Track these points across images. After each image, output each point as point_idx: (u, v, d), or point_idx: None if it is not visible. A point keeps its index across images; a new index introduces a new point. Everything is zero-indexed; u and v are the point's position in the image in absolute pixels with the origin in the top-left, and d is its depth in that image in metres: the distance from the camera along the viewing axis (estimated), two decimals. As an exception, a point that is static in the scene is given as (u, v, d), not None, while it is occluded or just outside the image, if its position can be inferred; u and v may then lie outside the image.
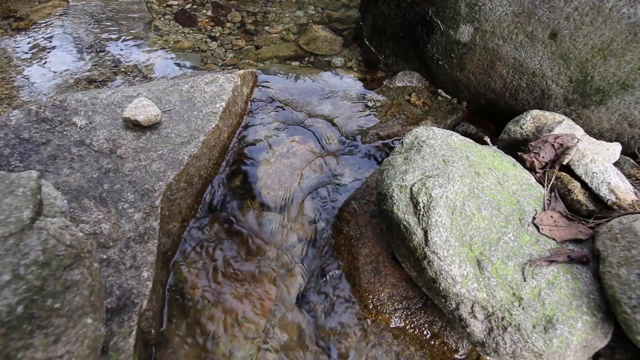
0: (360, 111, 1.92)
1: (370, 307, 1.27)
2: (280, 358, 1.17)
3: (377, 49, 2.36)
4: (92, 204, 1.21)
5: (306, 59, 2.34)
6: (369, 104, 1.95)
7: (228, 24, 2.55)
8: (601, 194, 1.25)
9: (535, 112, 1.51)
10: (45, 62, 2.10)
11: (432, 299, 1.20)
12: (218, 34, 2.46)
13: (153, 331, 1.11)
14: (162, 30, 2.43)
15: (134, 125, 1.44)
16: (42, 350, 0.71)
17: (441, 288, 1.08)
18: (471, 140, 1.38)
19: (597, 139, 1.48)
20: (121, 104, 1.51)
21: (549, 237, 1.16)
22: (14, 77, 2.00)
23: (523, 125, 1.49)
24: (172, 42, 2.35)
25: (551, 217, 1.21)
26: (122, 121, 1.44)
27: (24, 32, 2.28)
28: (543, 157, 1.36)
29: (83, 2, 2.56)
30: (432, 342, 1.23)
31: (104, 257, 1.11)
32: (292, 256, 1.40)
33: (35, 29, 2.31)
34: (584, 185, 1.29)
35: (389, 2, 2.18)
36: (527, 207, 1.21)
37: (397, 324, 1.25)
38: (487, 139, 1.55)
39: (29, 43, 2.21)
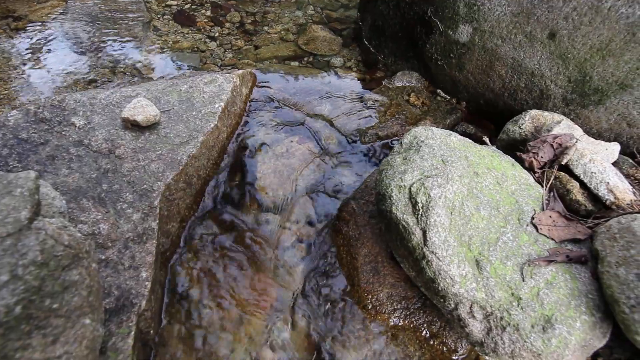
0: (359, 111, 1.92)
1: (369, 307, 1.27)
2: (279, 358, 1.17)
3: (376, 49, 2.36)
4: (91, 204, 1.21)
5: (305, 59, 2.34)
6: (368, 104, 1.95)
7: (227, 24, 2.54)
8: (600, 194, 1.26)
9: (534, 112, 1.51)
10: (44, 62, 2.10)
11: (431, 299, 1.20)
12: (217, 34, 2.46)
13: (152, 331, 1.11)
14: (161, 31, 2.43)
15: (133, 126, 1.43)
16: (40, 351, 0.71)
17: (440, 288, 1.08)
18: (470, 140, 1.38)
19: (596, 139, 1.48)
20: (120, 104, 1.51)
21: (547, 237, 1.16)
22: (13, 77, 2.00)
23: (522, 125, 1.49)
24: (171, 42, 2.35)
25: (550, 217, 1.21)
26: (121, 121, 1.44)
27: (22, 32, 2.28)
28: (542, 157, 1.36)
29: (82, 2, 2.56)
30: (431, 342, 1.23)
31: (103, 257, 1.11)
32: (291, 256, 1.40)
33: (34, 29, 2.31)
34: (583, 185, 1.30)
35: (388, 2, 2.18)
36: (526, 207, 1.21)
37: (396, 324, 1.25)
38: (486, 139, 1.55)
39: (27, 43, 2.21)
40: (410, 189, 1.15)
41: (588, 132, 1.57)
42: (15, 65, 2.07)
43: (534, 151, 1.38)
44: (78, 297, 0.79)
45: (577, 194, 1.27)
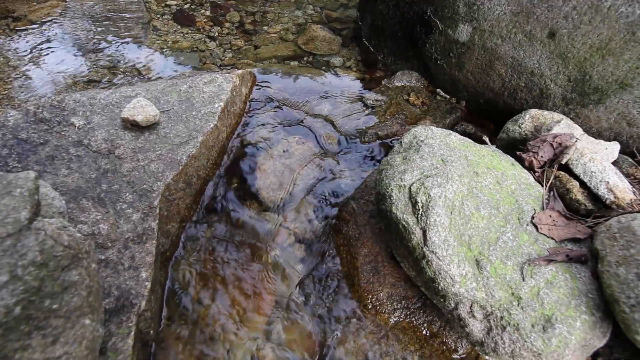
0: (359, 111, 1.92)
1: (370, 307, 1.27)
2: (279, 358, 1.17)
3: (376, 49, 2.36)
4: (90, 204, 1.21)
5: (305, 58, 2.34)
6: (368, 103, 1.95)
7: (227, 24, 2.54)
8: (600, 193, 1.26)
9: (533, 112, 1.51)
10: (43, 63, 2.10)
11: (431, 299, 1.20)
12: (217, 34, 2.46)
13: (152, 332, 1.11)
14: (160, 30, 2.43)
15: (133, 126, 1.43)
16: (40, 351, 0.71)
17: (440, 288, 1.08)
18: (470, 140, 1.38)
19: (596, 138, 1.48)
20: (119, 104, 1.50)
21: (547, 237, 1.16)
22: (12, 77, 2.00)
23: (522, 124, 1.49)
24: (170, 42, 2.35)
25: (550, 216, 1.21)
26: (121, 121, 1.44)
27: (22, 32, 2.28)
28: (542, 157, 1.36)
29: (81, 2, 2.55)
30: (431, 342, 1.23)
31: (102, 257, 1.11)
32: (291, 256, 1.39)
33: (33, 29, 2.31)
34: (583, 184, 1.29)
35: (388, 1, 2.18)
36: (526, 206, 1.21)
37: (396, 324, 1.25)
38: (486, 139, 1.55)
39: (26, 43, 2.21)
40: (410, 188, 1.15)
41: (588, 131, 1.57)
42: (15, 65, 2.07)
43: (533, 150, 1.38)
44: (78, 298, 0.79)
45: (577, 193, 1.27)
